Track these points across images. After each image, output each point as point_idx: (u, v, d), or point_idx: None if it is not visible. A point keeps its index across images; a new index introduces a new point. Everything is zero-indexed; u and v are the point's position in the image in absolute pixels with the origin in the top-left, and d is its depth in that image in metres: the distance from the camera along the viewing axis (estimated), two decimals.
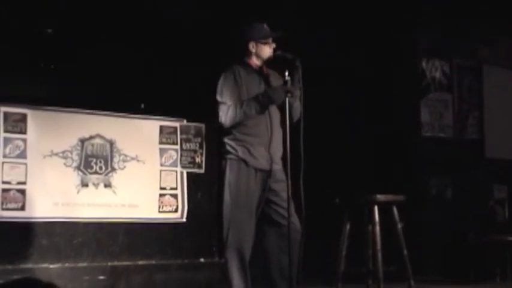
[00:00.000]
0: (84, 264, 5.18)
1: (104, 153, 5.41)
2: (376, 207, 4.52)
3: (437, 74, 6.94)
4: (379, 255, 4.46)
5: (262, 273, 4.02)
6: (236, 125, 3.93)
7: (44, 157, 5.15)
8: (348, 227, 4.67)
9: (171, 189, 5.65)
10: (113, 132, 5.46)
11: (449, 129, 6.96)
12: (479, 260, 6.27)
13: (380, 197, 4.55)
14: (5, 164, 5.00)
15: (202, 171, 5.80)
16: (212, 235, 5.64)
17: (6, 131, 5.03)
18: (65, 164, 5.24)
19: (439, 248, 6.48)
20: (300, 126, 3.87)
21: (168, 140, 5.69)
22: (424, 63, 6.86)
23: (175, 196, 5.66)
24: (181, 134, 5.75)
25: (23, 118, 5.10)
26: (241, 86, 3.95)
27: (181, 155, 5.72)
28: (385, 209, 4.57)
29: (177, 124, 5.75)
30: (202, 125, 5.82)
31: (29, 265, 4.97)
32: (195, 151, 5.79)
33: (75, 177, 5.27)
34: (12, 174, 5.02)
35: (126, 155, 5.49)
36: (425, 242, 6.45)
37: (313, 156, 3.87)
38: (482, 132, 7.19)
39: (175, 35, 5.60)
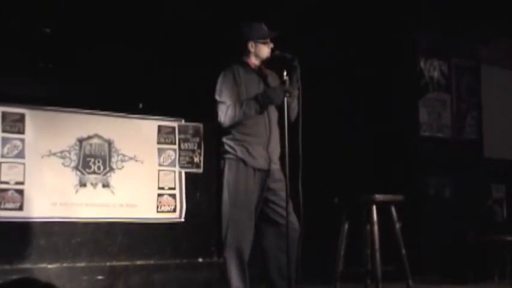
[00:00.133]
0: (83, 264, 5.18)
1: (102, 153, 5.40)
2: (374, 207, 4.53)
3: (436, 74, 6.93)
4: (378, 254, 4.47)
5: (261, 272, 4.02)
6: (235, 125, 3.93)
7: (42, 157, 5.14)
8: (346, 226, 4.68)
9: (170, 189, 5.65)
10: (111, 132, 5.45)
11: (448, 129, 6.96)
12: (478, 259, 6.27)
13: (378, 197, 4.56)
14: (3, 164, 4.99)
15: (200, 171, 5.79)
16: (211, 235, 5.63)
17: (4, 130, 5.02)
18: (63, 164, 5.23)
19: (437, 247, 6.48)
20: (299, 126, 3.87)
21: (167, 140, 5.68)
22: (422, 63, 6.85)
23: (173, 196, 5.65)
24: (179, 133, 5.75)
25: (21, 118, 5.09)
26: (240, 86, 3.95)
27: (179, 155, 5.71)
28: (383, 208, 4.58)
29: (175, 124, 5.74)
30: (201, 125, 5.82)
31: (27, 265, 4.96)
32: (193, 151, 5.78)
33: (73, 177, 5.26)
34: (10, 174, 5.01)
35: (124, 155, 5.48)
36: (424, 242, 6.45)
37: (313, 156, 3.87)
38: (480, 132, 7.18)
39: (174, 34, 5.60)
